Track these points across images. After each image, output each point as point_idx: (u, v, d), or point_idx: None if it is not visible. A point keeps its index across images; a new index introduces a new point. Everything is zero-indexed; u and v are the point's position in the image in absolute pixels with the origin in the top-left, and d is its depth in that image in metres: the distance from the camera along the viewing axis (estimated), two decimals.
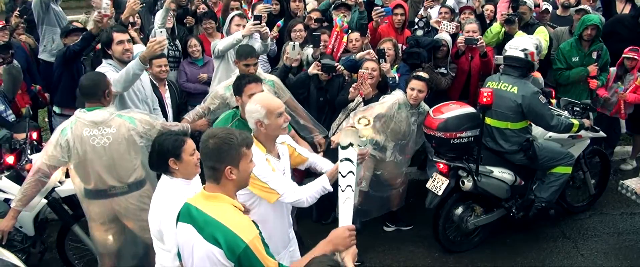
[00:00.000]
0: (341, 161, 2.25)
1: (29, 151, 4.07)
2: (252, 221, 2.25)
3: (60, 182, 3.99)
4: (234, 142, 2.20)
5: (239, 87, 3.46)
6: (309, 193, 2.83)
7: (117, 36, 3.94)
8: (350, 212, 2.28)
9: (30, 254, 4.02)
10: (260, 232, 2.21)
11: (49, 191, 3.90)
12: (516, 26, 5.31)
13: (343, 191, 2.26)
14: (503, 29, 5.34)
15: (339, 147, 2.25)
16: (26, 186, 3.32)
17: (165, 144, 2.77)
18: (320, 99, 4.79)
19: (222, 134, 2.23)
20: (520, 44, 4.38)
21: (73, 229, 4.02)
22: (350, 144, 2.27)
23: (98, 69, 3.97)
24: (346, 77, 4.95)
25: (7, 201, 3.78)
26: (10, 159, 3.97)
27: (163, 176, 2.85)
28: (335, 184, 2.61)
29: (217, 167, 2.20)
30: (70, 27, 5.44)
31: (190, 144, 2.82)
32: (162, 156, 2.77)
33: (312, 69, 4.64)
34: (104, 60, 4.04)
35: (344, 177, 2.27)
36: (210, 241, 2.15)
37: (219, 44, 4.69)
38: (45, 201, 3.91)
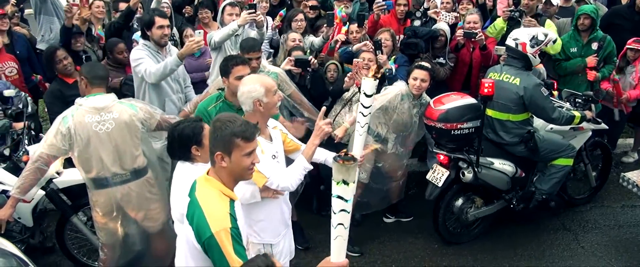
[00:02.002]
0: (333, 197, 2.09)
1: (26, 142, 4.06)
2: (231, 214, 2.20)
3: (58, 174, 3.98)
4: (227, 129, 2.20)
5: (226, 69, 3.45)
6: (293, 178, 2.87)
7: (158, 20, 4.11)
8: (343, 249, 2.17)
9: (29, 245, 4.02)
10: (233, 228, 2.17)
11: (47, 182, 3.89)
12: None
13: (335, 228, 2.13)
14: (505, 24, 5.28)
15: (333, 182, 2.08)
16: (25, 174, 3.31)
17: (185, 132, 2.77)
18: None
19: (222, 118, 2.27)
20: (515, 33, 4.34)
21: (72, 220, 4.02)
22: (344, 182, 2.06)
23: (134, 49, 4.25)
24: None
25: (4, 192, 3.76)
26: (6, 151, 3.95)
27: (183, 163, 2.83)
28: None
29: (212, 150, 2.25)
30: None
31: (208, 128, 2.82)
32: (183, 143, 2.77)
33: (285, 65, 4.57)
34: (141, 40, 4.27)
35: (335, 214, 2.11)
36: (188, 219, 2.23)
37: (215, 35, 4.64)
38: (43, 192, 3.90)
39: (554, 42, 4.53)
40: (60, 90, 4.36)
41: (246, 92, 2.89)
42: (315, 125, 2.92)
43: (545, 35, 4.31)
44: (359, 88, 4.40)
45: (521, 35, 4.29)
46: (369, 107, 2.88)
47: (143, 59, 4.14)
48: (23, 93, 4.67)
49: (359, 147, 2.99)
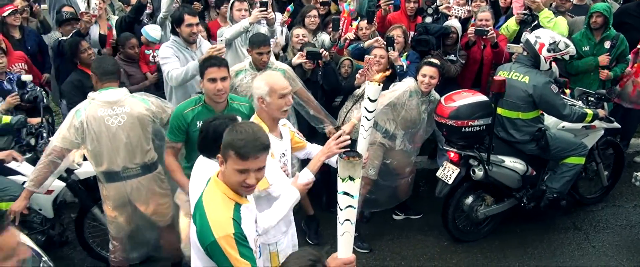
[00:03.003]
0: (339, 193, 2.11)
1: (45, 134, 4.11)
2: (234, 219, 2.15)
3: (79, 165, 4.03)
4: (228, 137, 2.13)
5: (201, 70, 3.33)
6: (279, 214, 2.72)
7: (188, 19, 4.20)
8: (350, 244, 2.19)
9: (49, 236, 4.09)
10: (236, 233, 2.12)
11: (68, 174, 3.95)
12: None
13: (341, 224, 2.15)
14: (518, 27, 5.25)
15: (338, 179, 2.10)
16: (39, 167, 3.36)
17: (220, 128, 2.69)
18: (310, 91, 4.60)
19: (236, 125, 2.19)
20: (539, 31, 4.32)
21: (92, 211, 4.07)
22: (350, 178, 2.07)
23: (163, 46, 4.36)
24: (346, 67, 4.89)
25: (24, 184, 3.83)
26: (32, 141, 4.04)
27: (207, 159, 2.79)
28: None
29: (218, 152, 2.21)
30: (65, 15, 5.41)
31: None
32: (215, 139, 2.68)
33: (297, 59, 4.58)
34: (172, 36, 4.38)
35: (342, 210, 2.12)
36: (193, 221, 2.22)
37: (225, 32, 4.67)
38: (63, 183, 3.95)
39: (572, 56, 4.48)
40: (81, 81, 4.42)
41: (254, 88, 2.93)
42: (326, 144, 2.92)
43: (566, 46, 4.26)
44: None
45: (543, 36, 4.26)
46: (373, 111, 2.90)
47: (169, 59, 4.22)
48: (38, 87, 4.73)
49: (363, 149, 3.01)
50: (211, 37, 5.47)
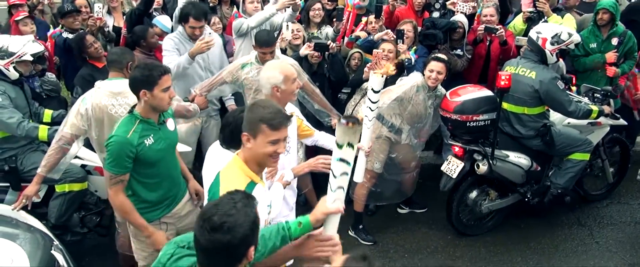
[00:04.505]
0: (336, 160, 2.11)
1: None
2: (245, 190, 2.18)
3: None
4: (257, 113, 2.24)
5: (149, 79, 2.87)
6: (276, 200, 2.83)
7: (191, 22, 4.36)
8: (336, 219, 2.20)
9: (103, 216, 4.24)
10: None
11: None
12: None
13: (333, 192, 2.15)
14: (525, 25, 5.26)
15: (335, 145, 2.12)
16: (50, 153, 3.44)
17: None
18: (316, 83, 4.59)
19: (257, 102, 2.33)
20: (540, 27, 4.35)
21: None
22: (349, 144, 2.08)
23: (166, 38, 4.54)
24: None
25: (83, 166, 4.03)
26: None
27: (220, 149, 2.80)
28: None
29: (242, 131, 2.28)
30: (67, 8, 5.47)
31: None
32: (238, 130, 2.61)
33: (304, 50, 4.63)
34: (180, 27, 4.53)
35: (335, 178, 2.13)
36: (209, 191, 2.32)
37: (250, 20, 4.75)
38: None
39: (577, 45, 4.48)
40: (92, 75, 4.47)
41: (265, 78, 2.99)
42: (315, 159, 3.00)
43: (569, 36, 4.28)
44: None
45: (545, 31, 4.29)
46: (377, 102, 2.97)
47: (168, 52, 4.40)
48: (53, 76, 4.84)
49: (366, 140, 3.12)
50: (225, 30, 5.53)
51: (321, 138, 3.47)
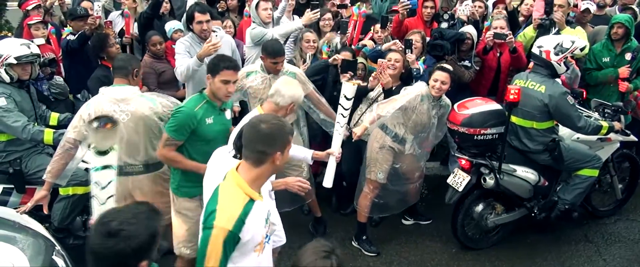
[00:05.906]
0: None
1: None
2: (241, 218, 2.16)
3: None
4: (286, 129, 2.26)
5: (215, 68, 3.28)
6: None
7: (198, 16, 4.45)
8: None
9: None
10: (233, 233, 2.13)
11: None
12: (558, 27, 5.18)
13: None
14: (535, 33, 5.22)
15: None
16: (55, 158, 3.45)
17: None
18: (335, 93, 4.57)
19: (275, 121, 2.27)
20: (540, 41, 4.31)
21: None
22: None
23: (178, 41, 4.60)
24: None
25: (87, 170, 3.91)
26: None
27: (228, 157, 2.79)
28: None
29: (268, 151, 2.19)
30: (80, 11, 5.50)
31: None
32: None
33: (334, 61, 4.63)
34: (189, 32, 4.63)
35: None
36: (207, 204, 2.27)
37: (276, 31, 4.83)
38: None
39: (582, 49, 4.42)
40: (106, 76, 4.49)
41: (290, 93, 3.24)
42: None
43: (572, 43, 4.24)
44: (383, 88, 4.45)
45: (545, 43, 4.25)
46: (348, 109, 3.18)
47: (179, 55, 4.48)
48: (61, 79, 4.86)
49: (336, 146, 3.35)
50: (236, 35, 5.53)
51: (297, 152, 3.56)
